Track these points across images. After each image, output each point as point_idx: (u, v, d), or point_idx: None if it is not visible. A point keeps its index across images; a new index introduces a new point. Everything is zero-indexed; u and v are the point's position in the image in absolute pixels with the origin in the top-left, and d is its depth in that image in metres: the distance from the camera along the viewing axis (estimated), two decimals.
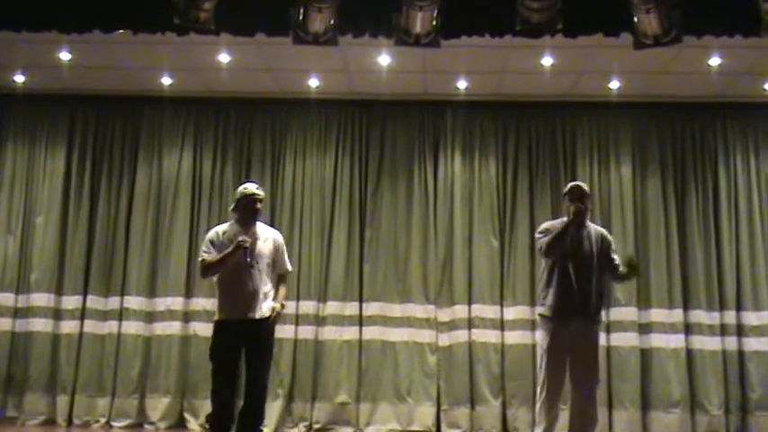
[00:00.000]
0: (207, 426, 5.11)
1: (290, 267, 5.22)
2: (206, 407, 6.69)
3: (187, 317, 7.06)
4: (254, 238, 4.93)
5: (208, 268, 4.95)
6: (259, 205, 5.00)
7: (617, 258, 5.04)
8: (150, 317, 7.07)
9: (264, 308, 4.88)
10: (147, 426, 6.82)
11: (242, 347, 4.87)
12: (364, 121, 7.40)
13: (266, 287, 4.92)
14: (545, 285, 4.95)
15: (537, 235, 5.07)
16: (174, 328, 7.01)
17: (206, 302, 6.99)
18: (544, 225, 5.13)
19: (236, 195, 5.08)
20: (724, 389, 6.78)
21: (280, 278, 5.09)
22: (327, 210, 7.25)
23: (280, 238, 5.18)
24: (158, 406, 6.87)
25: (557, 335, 4.84)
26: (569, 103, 7.29)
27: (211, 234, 5.03)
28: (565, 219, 5.01)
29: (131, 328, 7.02)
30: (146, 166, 7.37)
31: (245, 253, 4.77)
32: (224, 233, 4.98)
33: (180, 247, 7.17)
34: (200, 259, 5.01)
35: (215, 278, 5.03)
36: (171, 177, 7.31)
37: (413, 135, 7.35)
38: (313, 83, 7.12)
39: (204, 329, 6.89)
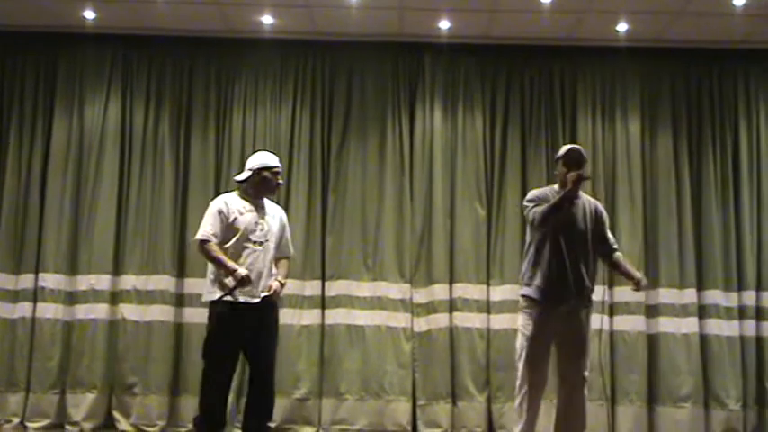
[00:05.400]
0: (194, 428, 5.23)
1: (292, 250, 5.45)
2: (138, 404, 6.71)
3: (115, 298, 6.90)
4: (263, 211, 5.19)
5: (203, 252, 5.10)
6: (280, 182, 5.27)
7: (611, 237, 5.09)
8: (71, 298, 6.89)
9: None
10: (68, 426, 6.65)
11: (246, 332, 5.01)
12: (327, 67, 7.27)
13: (271, 269, 5.15)
14: (532, 263, 4.96)
15: (525, 203, 5.05)
16: (99, 310, 6.83)
17: (136, 280, 6.88)
18: (533, 193, 5.13)
19: (248, 165, 5.22)
20: (743, 380, 6.79)
21: (279, 260, 5.28)
22: (284, 171, 6.93)
23: (285, 216, 5.41)
24: (82, 403, 6.70)
25: (543, 320, 4.87)
26: (569, 47, 7.21)
27: (219, 204, 5.16)
28: (555, 187, 5.05)
29: (48, 311, 6.83)
30: (64, 117, 7.13)
31: (240, 284, 4.93)
32: (232, 204, 5.15)
33: (106, 215, 6.96)
34: (201, 235, 5.08)
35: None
36: (95, 131, 7.09)
37: (385, 84, 7.24)
38: (267, 20, 6.94)
39: (135, 312, 6.84)
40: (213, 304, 5.05)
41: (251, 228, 5.04)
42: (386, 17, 6.85)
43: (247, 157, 6.89)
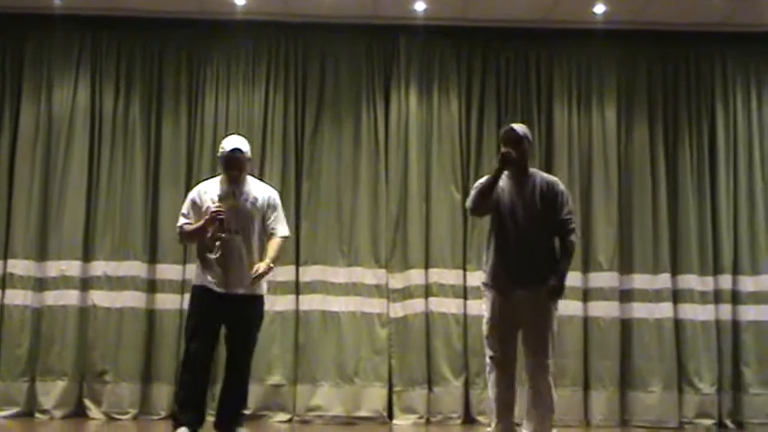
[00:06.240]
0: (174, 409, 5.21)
1: (282, 230, 5.08)
2: (109, 392, 6.69)
3: (85, 284, 6.85)
4: (236, 203, 4.93)
5: (183, 238, 5.14)
6: (236, 172, 4.98)
7: (565, 213, 4.74)
8: (40, 284, 6.84)
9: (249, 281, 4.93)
10: (38, 414, 6.62)
11: (222, 321, 4.97)
12: (301, 49, 7.21)
13: (253, 257, 4.95)
14: (485, 248, 4.89)
15: (471, 191, 4.88)
16: (69, 297, 6.78)
17: (107, 266, 6.81)
18: (481, 179, 4.91)
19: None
20: (717, 364, 6.83)
21: (270, 239, 5.03)
22: (256, 156, 6.93)
23: (273, 197, 5.13)
24: (52, 391, 6.65)
25: (498, 303, 4.75)
26: (545, 30, 7.18)
27: (192, 193, 5.09)
28: (506, 171, 4.80)
29: (17, 297, 6.79)
30: (32, 101, 7.05)
31: (220, 225, 4.81)
32: (206, 192, 5.01)
33: (76, 201, 6.89)
34: (177, 224, 5.06)
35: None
36: (63, 116, 7.02)
37: (360, 67, 7.19)
38: (239, 1, 6.89)
39: (106, 299, 6.79)
40: (193, 288, 5.04)
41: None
42: None
43: (219, 142, 6.98)
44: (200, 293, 4.96)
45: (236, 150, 4.96)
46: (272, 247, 4.96)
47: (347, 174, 7.05)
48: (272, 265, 4.90)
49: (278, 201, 5.13)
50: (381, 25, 7.15)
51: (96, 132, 7.02)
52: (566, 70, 7.19)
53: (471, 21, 7.08)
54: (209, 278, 4.90)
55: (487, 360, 4.82)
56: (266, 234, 5.04)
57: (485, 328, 4.83)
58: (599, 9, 6.84)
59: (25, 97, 7.02)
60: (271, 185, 5.40)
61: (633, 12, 6.91)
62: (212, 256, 4.87)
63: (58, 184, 6.89)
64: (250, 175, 5.20)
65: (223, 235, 4.82)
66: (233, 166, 4.96)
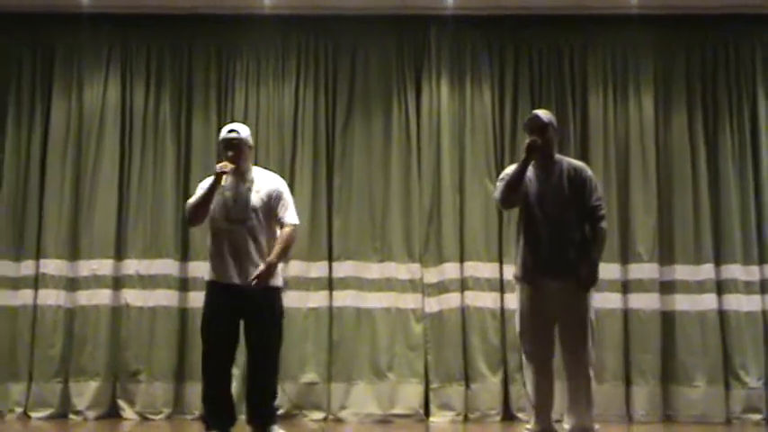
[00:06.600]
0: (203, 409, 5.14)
1: (290, 219, 4.99)
2: (143, 392, 6.66)
3: (118, 283, 6.81)
4: (244, 185, 4.94)
5: (189, 210, 4.98)
6: (233, 153, 4.91)
7: (594, 199, 4.70)
8: (73, 284, 6.80)
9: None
10: (72, 415, 6.57)
11: (237, 316, 4.91)
12: (330, 43, 7.14)
13: (261, 248, 4.88)
14: (516, 239, 4.84)
15: (497, 183, 4.85)
16: (101, 296, 6.75)
17: (139, 265, 6.77)
18: (506, 169, 4.86)
19: None
20: (765, 357, 6.64)
21: (279, 231, 4.98)
22: (287, 151, 6.98)
23: (280, 185, 5.06)
24: (85, 391, 6.61)
25: (531, 298, 4.67)
26: (579, 17, 7.05)
27: (202, 183, 5.08)
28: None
29: (50, 297, 6.75)
30: (62, 99, 7.04)
31: (227, 177, 4.84)
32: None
33: (107, 199, 6.86)
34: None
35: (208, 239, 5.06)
36: (94, 114, 7.00)
37: (390, 59, 7.11)
38: None
39: (138, 297, 6.75)
40: (206, 285, 5.01)
41: (226, 206, 4.88)
42: None
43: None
44: (210, 288, 4.93)
45: (232, 131, 4.94)
46: (280, 239, 4.90)
47: (379, 168, 6.96)
48: (274, 261, 4.81)
49: (284, 189, 5.07)
50: (411, 16, 7.05)
51: (127, 130, 7.00)
52: (600, 58, 7.05)
53: (503, 9, 6.98)
54: (218, 271, 4.87)
55: (523, 356, 4.73)
56: (277, 224, 4.98)
57: (518, 323, 4.75)
58: None
59: (56, 96, 7.02)
60: (275, 173, 5.33)
61: None
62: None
63: (89, 183, 6.87)
64: (259, 166, 5.19)
65: (227, 172, 4.81)
66: (229, 147, 4.91)
